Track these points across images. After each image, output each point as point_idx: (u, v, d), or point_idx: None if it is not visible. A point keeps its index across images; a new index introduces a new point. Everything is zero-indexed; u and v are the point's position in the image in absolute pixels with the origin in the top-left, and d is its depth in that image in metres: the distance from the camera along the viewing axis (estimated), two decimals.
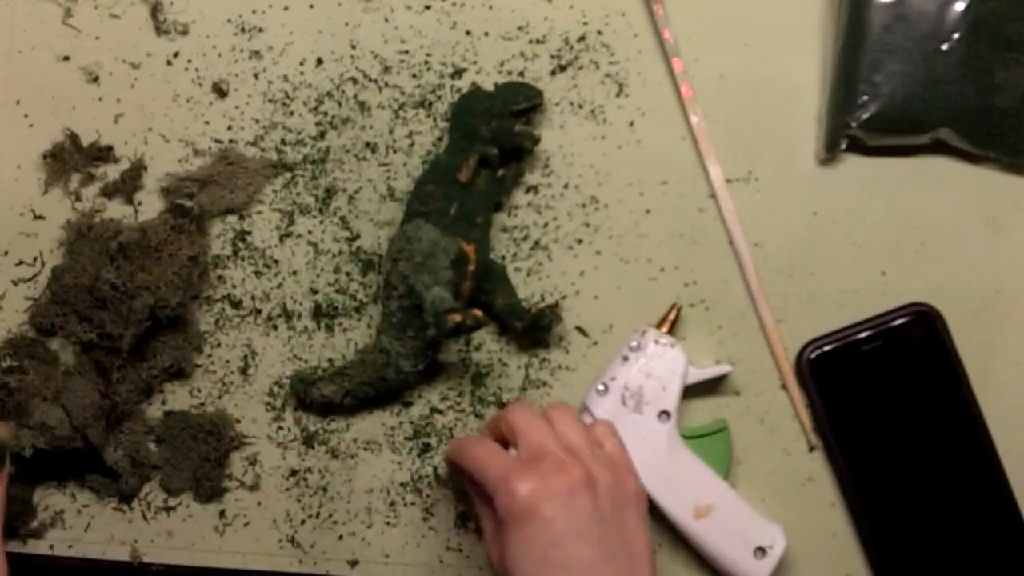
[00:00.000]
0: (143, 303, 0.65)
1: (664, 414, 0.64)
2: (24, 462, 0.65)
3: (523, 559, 0.54)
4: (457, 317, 0.61)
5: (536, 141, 0.66)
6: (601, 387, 0.65)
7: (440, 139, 0.68)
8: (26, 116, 0.70)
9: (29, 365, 0.68)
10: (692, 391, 0.66)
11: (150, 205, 0.69)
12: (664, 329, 0.66)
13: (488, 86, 0.68)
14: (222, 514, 0.69)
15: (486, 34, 0.69)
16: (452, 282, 0.64)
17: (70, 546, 0.69)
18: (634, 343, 0.65)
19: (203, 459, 0.68)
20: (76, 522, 0.69)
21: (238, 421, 0.69)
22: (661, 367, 0.64)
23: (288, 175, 0.69)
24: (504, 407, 0.65)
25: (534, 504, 0.54)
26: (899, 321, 0.66)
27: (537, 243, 0.68)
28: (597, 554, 0.54)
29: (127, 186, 0.69)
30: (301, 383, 0.67)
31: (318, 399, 0.67)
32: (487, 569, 0.68)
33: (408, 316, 0.64)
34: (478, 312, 0.62)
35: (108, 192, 0.69)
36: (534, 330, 0.66)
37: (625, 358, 0.65)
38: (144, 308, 0.65)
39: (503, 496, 0.55)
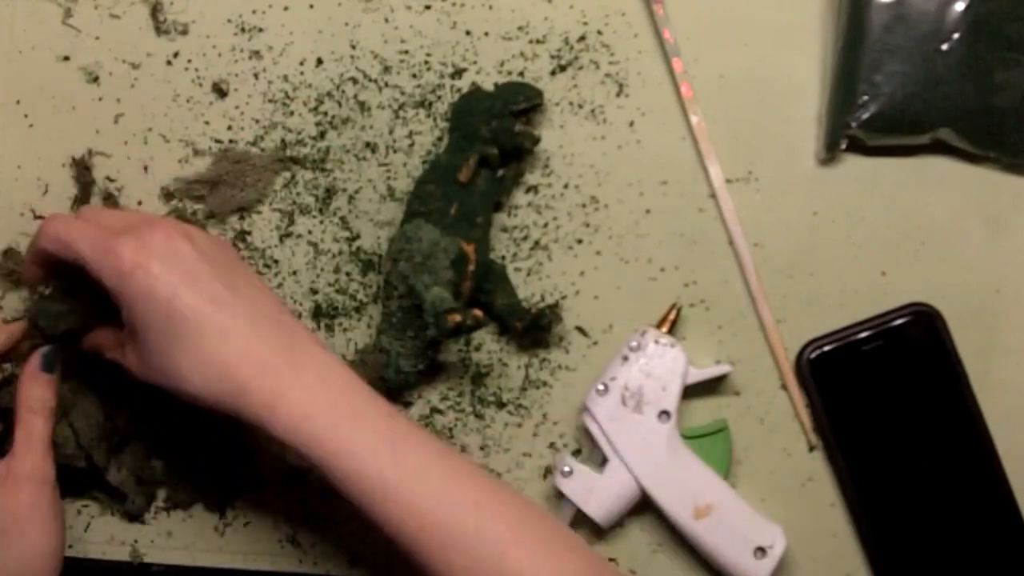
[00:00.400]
0: None
1: (664, 414, 0.64)
2: None
3: (151, 316, 0.55)
4: (457, 317, 0.61)
5: (536, 141, 0.66)
6: (601, 387, 0.65)
7: (440, 139, 0.68)
8: (26, 116, 0.70)
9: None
10: (692, 391, 0.66)
11: (150, 206, 0.69)
12: (664, 329, 0.66)
13: (488, 86, 0.68)
14: (222, 514, 0.69)
15: (486, 34, 0.69)
16: (452, 282, 0.64)
17: (70, 546, 0.69)
18: (634, 343, 0.65)
19: (209, 468, 0.67)
20: (76, 522, 0.69)
21: None
22: (661, 367, 0.64)
23: (288, 175, 0.69)
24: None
25: (139, 262, 0.55)
26: (899, 321, 0.66)
27: (537, 243, 0.68)
28: (218, 290, 0.55)
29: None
30: None
31: None
32: None
33: (408, 316, 0.64)
34: (478, 312, 0.62)
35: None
36: (534, 330, 0.66)
37: (625, 358, 0.65)
38: None
39: (108, 262, 0.55)
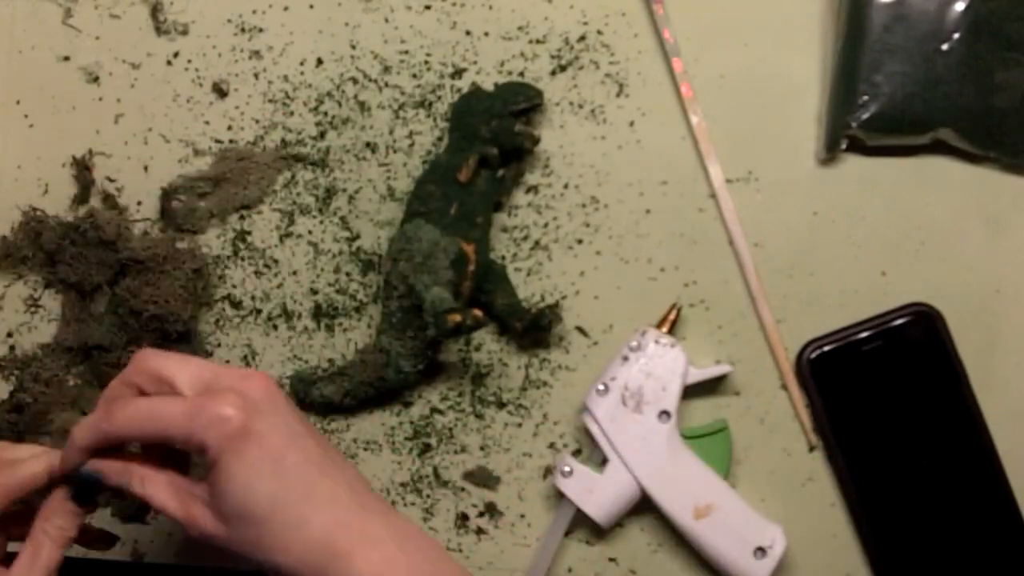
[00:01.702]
0: (150, 316, 0.65)
1: (664, 414, 0.64)
2: None
3: (257, 482, 0.51)
4: (457, 317, 0.61)
5: (536, 141, 0.66)
6: (601, 387, 0.65)
7: (440, 139, 0.68)
8: (26, 116, 0.70)
9: (36, 387, 0.67)
10: (692, 391, 0.66)
11: (150, 206, 0.69)
12: (664, 329, 0.66)
13: (488, 86, 0.68)
14: None
15: (486, 34, 0.69)
16: (452, 282, 0.64)
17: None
18: (634, 343, 0.65)
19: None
20: None
21: None
22: (661, 367, 0.64)
23: (288, 175, 0.69)
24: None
25: (246, 422, 0.51)
26: (899, 321, 0.66)
27: (537, 243, 0.68)
28: (318, 451, 0.53)
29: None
30: (301, 383, 0.67)
31: (318, 399, 0.67)
32: (487, 569, 0.68)
33: (408, 316, 0.64)
34: (478, 312, 0.62)
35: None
36: (534, 330, 0.66)
37: (625, 358, 0.65)
38: (152, 322, 0.65)
39: (212, 427, 0.51)
